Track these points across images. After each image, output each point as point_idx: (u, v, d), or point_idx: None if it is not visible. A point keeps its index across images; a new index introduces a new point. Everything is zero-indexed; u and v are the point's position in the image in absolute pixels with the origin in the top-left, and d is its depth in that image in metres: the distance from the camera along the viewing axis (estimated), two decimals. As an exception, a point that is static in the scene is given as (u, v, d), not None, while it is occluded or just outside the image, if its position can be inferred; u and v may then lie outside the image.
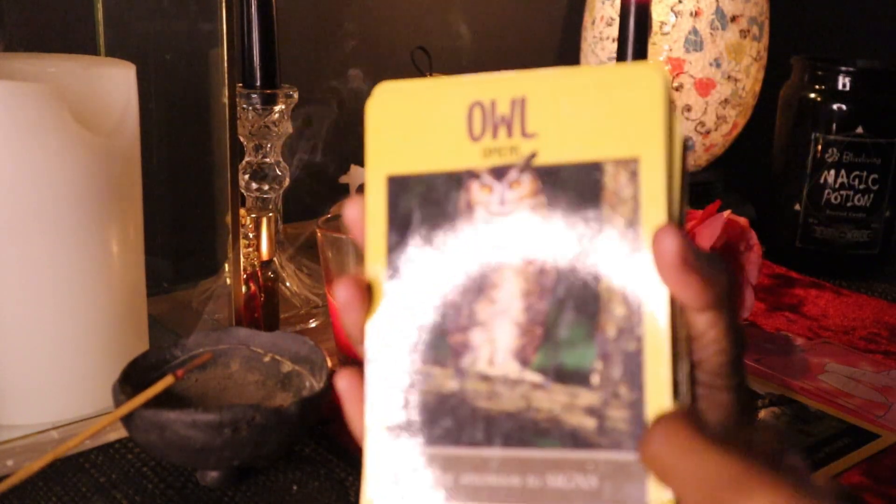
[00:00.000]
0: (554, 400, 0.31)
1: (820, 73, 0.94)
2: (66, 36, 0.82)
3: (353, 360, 0.67)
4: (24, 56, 0.63)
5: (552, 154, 0.32)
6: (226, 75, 0.61)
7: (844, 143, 0.92)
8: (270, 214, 0.68)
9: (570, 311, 0.31)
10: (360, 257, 0.66)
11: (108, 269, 0.59)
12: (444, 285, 0.33)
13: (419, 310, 0.33)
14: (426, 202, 0.33)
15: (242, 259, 0.66)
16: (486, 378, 0.32)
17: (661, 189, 0.30)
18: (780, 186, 0.98)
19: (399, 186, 0.34)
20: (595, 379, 0.31)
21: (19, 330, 0.57)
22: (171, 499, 0.54)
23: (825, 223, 0.95)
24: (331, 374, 0.57)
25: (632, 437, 0.30)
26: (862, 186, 0.93)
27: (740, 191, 1.16)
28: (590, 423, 0.30)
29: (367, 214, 0.34)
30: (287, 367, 0.60)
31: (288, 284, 0.79)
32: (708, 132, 1.09)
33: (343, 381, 0.35)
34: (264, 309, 0.69)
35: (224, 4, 0.60)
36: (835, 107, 0.92)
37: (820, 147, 0.93)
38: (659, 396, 0.30)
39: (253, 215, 0.68)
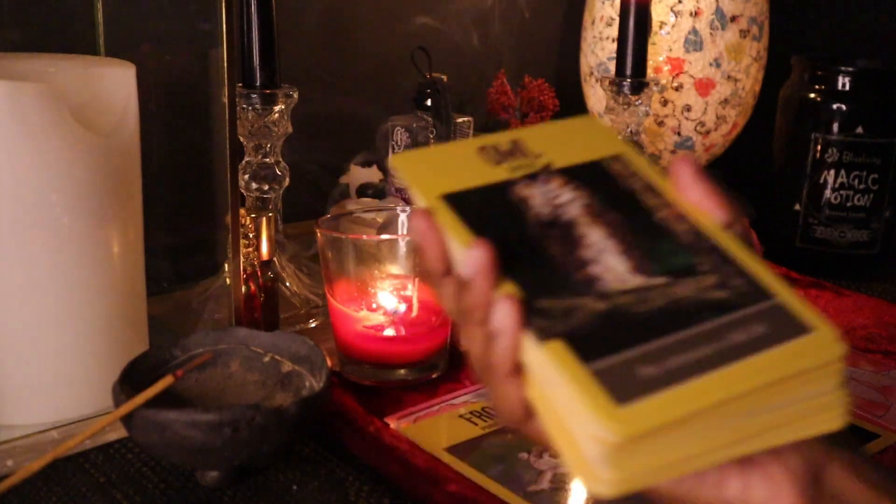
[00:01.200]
0: (687, 288, 0.37)
1: (820, 73, 0.94)
2: (66, 36, 0.82)
3: (353, 361, 0.67)
4: (24, 56, 0.63)
5: (561, 161, 0.41)
6: (226, 75, 0.61)
7: (844, 143, 0.92)
8: (270, 214, 0.68)
9: (651, 237, 0.39)
10: (359, 258, 0.66)
11: (108, 269, 0.59)
12: (544, 247, 0.38)
13: (537, 269, 0.37)
14: (485, 205, 0.39)
15: (242, 259, 0.66)
16: (625, 292, 0.37)
17: (649, 167, 0.42)
18: (780, 186, 0.98)
19: (455, 200, 0.39)
20: (704, 267, 0.38)
21: (19, 330, 0.57)
22: (171, 499, 0.54)
23: (825, 223, 0.95)
24: (330, 374, 0.57)
25: (757, 291, 0.37)
26: (862, 186, 0.93)
27: (740, 191, 1.16)
28: (724, 294, 0.37)
29: (445, 231, 0.38)
30: (287, 367, 0.60)
31: (288, 284, 0.79)
32: (708, 132, 1.08)
33: (420, 224, 0.38)
34: (264, 309, 0.69)
35: (224, 4, 0.60)
36: (835, 107, 0.92)
37: (820, 147, 0.93)
38: (752, 261, 0.38)
39: (253, 215, 0.68)
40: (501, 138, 0.42)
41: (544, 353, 0.34)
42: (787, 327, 0.36)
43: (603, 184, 0.41)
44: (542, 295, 0.36)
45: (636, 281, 0.37)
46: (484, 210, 0.39)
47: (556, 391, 0.34)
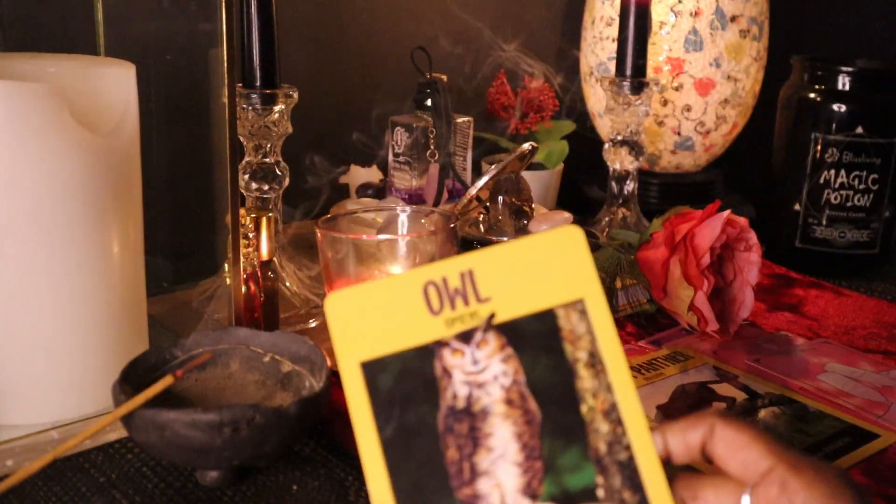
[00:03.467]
0: None
1: (820, 73, 0.94)
2: (66, 36, 0.82)
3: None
4: (24, 56, 0.63)
5: (508, 311, 0.37)
6: (226, 75, 0.61)
7: (844, 143, 0.92)
8: (270, 214, 0.68)
9: (561, 439, 0.35)
10: (359, 258, 0.66)
11: (108, 269, 0.59)
12: (440, 448, 0.35)
13: (423, 477, 0.35)
14: (404, 377, 0.36)
15: (242, 259, 0.66)
16: None
17: (608, 319, 0.37)
18: (780, 186, 0.98)
19: (374, 370, 0.36)
20: (600, 493, 0.35)
21: (20, 330, 0.57)
22: (171, 499, 0.54)
23: (825, 223, 0.95)
24: (330, 374, 0.57)
25: None
26: (862, 186, 0.93)
27: (740, 191, 1.16)
28: None
29: (349, 401, 0.36)
30: (287, 366, 0.60)
31: (288, 284, 0.79)
32: (708, 132, 1.08)
33: None
34: (264, 309, 0.69)
35: (224, 4, 0.60)
36: (835, 107, 0.92)
37: (820, 147, 0.93)
38: (659, 492, 0.35)
39: (253, 215, 0.68)
40: (453, 269, 0.37)
41: None
42: None
43: (544, 349, 0.37)
44: None
45: None
46: (400, 387, 0.36)
47: None
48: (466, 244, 0.80)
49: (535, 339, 0.37)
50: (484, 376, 0.36)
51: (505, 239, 0.78)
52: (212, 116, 0.72)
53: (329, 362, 0.58)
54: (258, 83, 0.74)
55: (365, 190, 0.99)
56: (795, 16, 1.20)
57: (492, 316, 0.37)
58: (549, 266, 0.38)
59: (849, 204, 0.93)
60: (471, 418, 0.36)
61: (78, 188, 0.56)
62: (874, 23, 1.17)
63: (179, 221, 0.84)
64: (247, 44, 0.73)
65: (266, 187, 0.76)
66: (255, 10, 0.72)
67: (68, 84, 0.56)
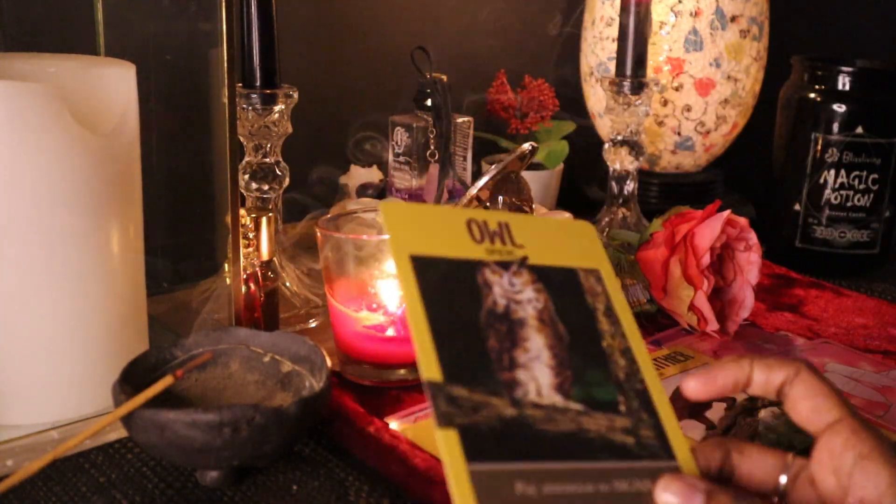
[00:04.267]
0: (598, 423, 0.39)
1: (820, 73, 0.94)
2: (66, 36, 0.82)
3: (353, 361, 0.67)
4: (24, 56, 0.63)
5: (539, 258, 0.42)
6: (226, 75, 0.61)
7: (844, 143, 0.92)
8: (270, 214, 0.68)
9: (587, 361, 0.40)
10: (359, 258, 0.66)
11: (108, 269, 0.59)
12: (484, 337, 0.38)
13: (467, 355, 0.37)
14: (449, 277, 0.39)
15: (242, 259, 0.66)
16: (538, 406, 0.38)
17: (619, 292, 0.43)
18: (780, 186, 0.98)
19: (422, 264, 0.39)
20: (622, 407, 0.40)
21: (19, 330, 0.57)
22: (171, 499, 0.54)
23: (825, 223, 0.95)
24: (330, 374, 0.57)
25: (662, 448, 0.39)
26: (862, 186, 0.93)
27: (740, 191, 1.16)
28: (630, 440, 0.39)
29: (402, 291, 0.38)
30: (287, 367, 0.60)
31: (288, 284, 0.79)
32: (708, 132, 1.08)
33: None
34: (264, 309, 0.69)
35: (224, 4, 0.60)
36: (835, 107, 0.92)
37: (820, 147, 0.93)
38: (669, 418, 0.40)
39: (253, 215, 0.67)
40: (492, 217, 0.42)
41: (439, 438, 0.35)
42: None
43: (568, 293, 0.42)
44: (459, 382, 0.36)
45: (553, 399, 0.38)
46: (445, 283, 0.39)
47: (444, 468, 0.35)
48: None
49: (561, 285, 0.42)
50: (520, 296, 0.40)
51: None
52: (212, 116, 0.72)
53: (329, 362, 0.58)
54: (258, 83, 0.74)
55: (365, 190, 0.99)
56: (795, 16, 1.20)
57: (525, 258, 0.42)
58: (570, 241, 0.44)
59: (849, 204, 0.93)
60: (509, 323, 0.39)
61: (78, 188, 0.56)
62: (874, 23, 1.17)
63: (179, 221, 0.84)
64: (247, 44, 0.73)
65: (266, 187, 0.76)
66: (255, 10, 0.72)
67: (68, 84, 0.56)
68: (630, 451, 0.38)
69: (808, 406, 0.40)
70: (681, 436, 0.40)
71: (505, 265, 0.41)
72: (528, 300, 0.41)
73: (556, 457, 0.37)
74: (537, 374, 0.39)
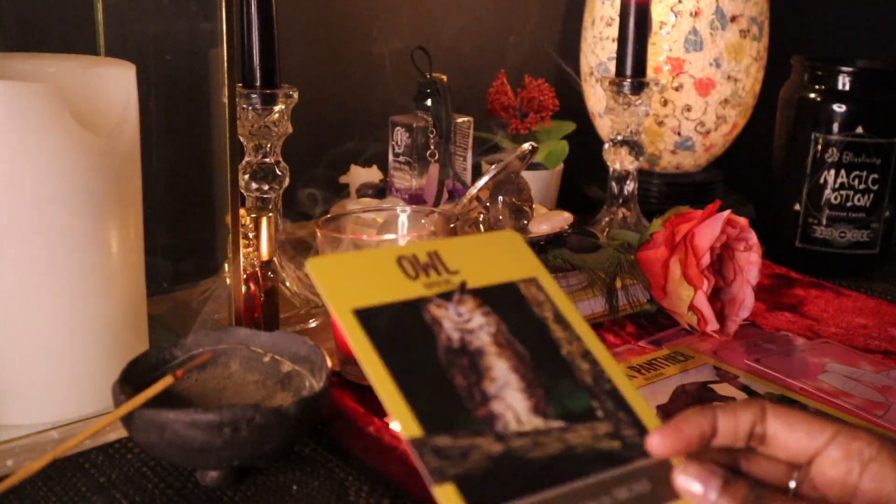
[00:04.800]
0: (582, 436, 0.38)
1: (820, 73, 0.94)
2: (66, 36, 0.82)
3: (353, 361, 0.67)
4: (24, 56, 0.63)
5: (477, 280, 0.42)
6: (226, 75, 0.61)
7: (844, 143, 0.92)
8: (270, 214, 0.68)
9: (553, 374, 0.40)
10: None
11: (108, 269, 0.59)
12: (448, 377, 0.38)
13: (439, 402, 0.37)
14: (397, 323, 0.38)
15: (242, 259, 0.66)
16: (522, 434, 0.37)
17: (561, 294, 0.43)
18: (780, 186, 0.98)
19: (367, 316, 0.38)
20: (599, 413, 0.39)
21: (19, 330, 0.57)
22: (171, 499, 0.54)
23: (825, 223, 0.95)
24: (330, 374, 0.57)
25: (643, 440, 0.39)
26: (862, 186, 0.93)
27: (740, 191, 1.16)
28: (616, 445, 0.39)
29: (352, 346, 0.38)
30: (287, 367, 0.60)
31: (288, 284, 0.79)
32: (708, 132, 1.08)
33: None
34: (264, 309, 0.69)
35: (224, 4, 0.60)
36: (835, 107, 0.92)
37: (820, 147, 0.93)
38: (645, 411, 0.40)
39: (253, 215, 0.67)
40: (420, 249, 0.42)
41: (437, 495, 0.34)
42: (665, 489, 0.38)
43: (514, 309, 0.42)
44: (441, 431, 0.36)
45: (534, 422, 0.38)
46: (394, 330, 0.38)
47: None
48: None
49: (506, 302, 0.42)
50: (470, 325, 0.40)
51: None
52: (212, 116, 0.72)
53: (329, 363, 0.58)
54: (258, 83, 0.74)
55: (365, 190, 0.99)
56: (795, 16, 1.20)
57: (464, 283, 0.41)
58: (501, 255, 0.44)
59: (849, 204, 0.93)
60: (469, 356, 0.39)
61: (78, 188, 0.56)
62: (874, 23, 1.17)
63: (179, 221, 0.84)
64: (247, 44, 0.73)
65: (266, 187, 0.76)
66: (255, 10, 0.72)
67: (68, 84, 0.56)
68: (619, 455, 0.38)
69: (795, 437, 0.39)
70: (654, 420, 0.40)
71: (447, 296, 0.40)
72: (479, 326, 0.40)
73: (552, 483, 0.36)
74: (511, 401, 0.38)
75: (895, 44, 1.15)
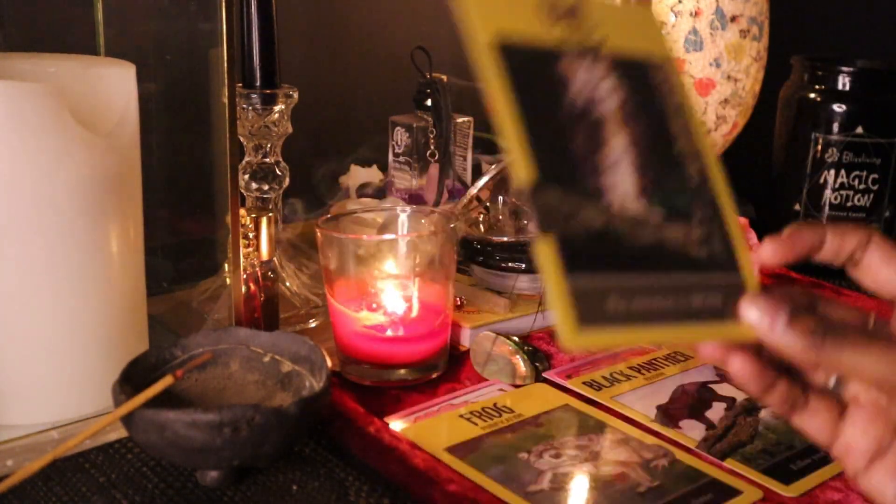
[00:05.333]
0: (675, 233, 0.38)
1: (820, 73, 0.94)
2: (66, 36, 0.82)
3: (353, 361, 0.67)
4: (24, 56, 0.63)
5: (613, 44, 0.40)
6: (226, 75, 0.61)
7: (844, 143, 0.92)
8: (270, 214, 0.68)
9: (665, 165, 0.39)
10: (359, 258, 0.66)
11: (108, 269, 0.59)
12: (571, 140, 0.37)
13: (558, 160, 0.36)
14: (531, 70, 0.37)
15: (242, 259, 0.66)
16: (624, 213, 0.37)
17: (684, 89, 0.42)
18: (780, 186, 0.98)
19: (505, 55, 0.36)
20: (696, 217, 0.39)
21: (19, 330, 0.57)
22: (171, 499, 0.54)
23: (825, 223, 0.95)
24: (330, 374, 0.57)
25: (730, 261, 0.39)
26: (862, 186, 0.93)
27: (740, 191, 1.16)
28: (703, 253, 0.39)
29: (488, 85, 0.36)
30: (287, 366, 0.60)
31: (288, 284, 0.79)
32: (708, 132, 1.09)
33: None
34: (264, 309, 0.69)
35: (224, 4, 0.60)
36: (835, 107, 0.92)
37: (820, 147, 0.93)
38: (736, 229, 0.40)
39: (253, 215, 0.68)
40: None
41: (539, 245, 0.35)
42: (734, 308, 0.38)
43: (642, 89, 0.40)
44: (554, 182, 0.35)
45: (638, 206, 0.38)
46: (529, 76, 0.37)
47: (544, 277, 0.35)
48: (466, 244, 0.80)
49: (635, 77, 0.40)
50: (600, 91, 0.39)
51: (505, 239, 0.78)
52: (212, 116, 0.72)
53: (329, 363, 0.58)
54: (258, 83, 0.74)
55: (365, 190, 0.99)
56: (795, 16, 1.20)
57: (603, 41, 0.39)
58: (638, 29, 0.42)
59: (849, 204, 0.93)
60: (590, 122, 0.38)
61: (78, 188, 0.56)
62: (874, 23, 1.17)
63: (179, 221, 0.84)
64: (247, 44, 0.73)
65: (266, 187, 0.76)
66: (255, 9, 0.73)
67: (68, 84, 0.56)
68: (702, 263, 0.38)
69: (887, 270, 0.40)
70: (745, 248, 0.40)
71: (583, 52, 0.39)
72: (607, 93, 0.39)
73: (641, 269, 0.37)
74: (623, 177, 0.38)
75: (895, 44, 1.15)
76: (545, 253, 0.34)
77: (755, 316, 0.37)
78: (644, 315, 0.36)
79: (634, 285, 0.36)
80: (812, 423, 0.40)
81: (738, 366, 0.38)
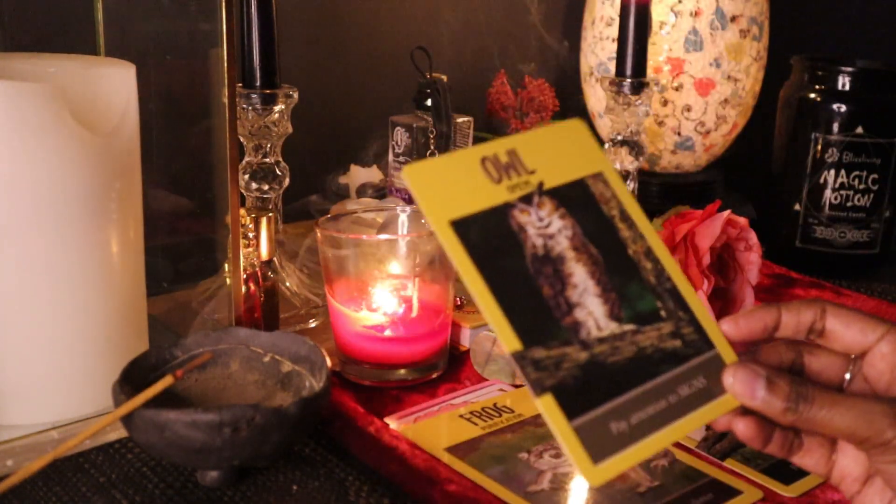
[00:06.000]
0: (649, 337, 0.41)
1: (820, 73, 0.94)
2: (66, 36, 0.82)
3: (353, 361, 0.67)
4: (24, 56, 0.63)
5: (552, 180, 0.43)
6: (226, 75, 0.61)
7: (844, 143, 0.92)
8: (270, 214, 0.68)
9: (623, 276, 0.42)
10: (359, 258, 0.66)
11: (108, 269, 0.59)
12: (536, 287, 0.40)
13: (532, 313, 0.39)
14: (489, 233, 0.41)
15: (242, 259, 0.66)
16: (601, 340, 0.40)
17: (623, 186, 0.45)
18: (780, 186, 0.98)
19: (462, 227, 0.40)
20: (663, 313, 0.42)
21: (19, 330, 0.57)
22: (171, 499, 0.54)
23: (825, 223, 0.95)
24: (330, 374, 0.57)
25: (703, 341, 0.42)
26: (862, 186, 0.93)
27: (740, 191, 1.16)
28: (678, 343, 0.42)
29: (454, 262, 0.39)
30: (287, 367, 0.60)
31: (288, 284, 0.79)
32: (708, 132, 1.08)
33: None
34: (264, 309, 0.69)
35: (224, 4, 0.60)
36: (835, 107, 0.92)
37: (820, 147, 0.93)
38: (700, 309, 0.43)
39: (253, 215, 0.68)
40: (499, 148, 0.43)
41: (539, 405, 0.38)
42: (718, 384, 0.42)
43: (586, 209, 0.43)
44: (537, 343, 0.39)
45: (610, 328, 0.41)
46: (487, 241, 0.40)
47: (551, 428, 0.38)
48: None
49: (578, 202, 0.43)
50: (550, 230, 0.42)
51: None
52: (212, 116, 0.72)
53: (329, 363, 0.58)
54: (258, 83, 0.74)
55: (365, 190, 0.99)
56: (795, 16, 1.20)
57: (541, 183, 0.43)
58: (569, 148, 0.45)
59: (849, 204, 0.93)
60: (552, 262, 0.41)
61: (78, 188, 0.56)
62: (874, 23, 1.17)
63: (179, 221, 0.84)
64: (247, 44, 0.73)
65: (266, 187, 0.76)
66: (255, 10, 0.72)
67: (68, 84, 0.56)
68: (680, 354, 0.41)
69: (850, 333, 0.43)
70: (713, 324, 0.43)
71: (527, 199, 0.42)
72: (558, 231, 0.42)
73: (629, 386, 0.40)
74: (591, 307, 0.41)
75: (895, 44, 1.15)
76: (545, 410, 0.38)
77: (736, 387, 0.41)
78: (645, 426, 0.39)
79: (627, 403, 0.39)
80: (808, 460, 0.44)
81: (743, 429, 0.42)
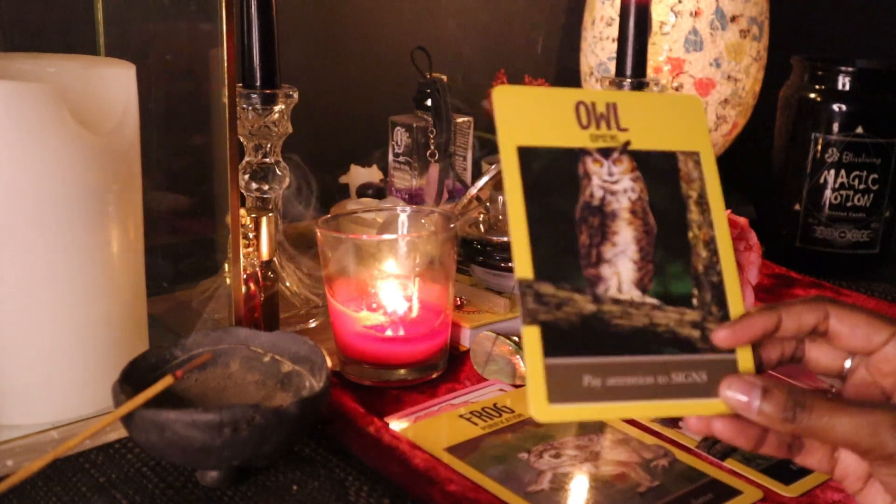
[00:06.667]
0: (668, 317, 0.41)
1: (820, 73, 0.94)
2: (66, 36, 0.82)
3: (353, 361, 0.67)
4: (24, 56, 0.63)
5: (641, 143, 0.43)
6: (226, 75, 0.61)
7: (844, 143, 0.92)
8: (270, 214, 0.68)
9: (670, 253, 0.42)
10: (359, 258, 0.66)
11: (108, 269, 0.59)
12: (575, 232, 0.41)
13: (558, 252, 0.40)
14: (552, 169, 0.41)
15: (242, 259, 0.66)
16: (617, 301, 0.41)
17: (716, 174, 0.44)
18: (780, 186, 0.98)
19: (528, 155, 0.41)
20: (695, 301, 0.42)
21: (19, 330, 0.57)
22: (171, 499, 0.54)
23: (825, 223, 0.95)
24: (330, 374, 0.57)
25: None
26: (862, 186, 0.93)
27: (740, 191, 1.16)
28: (696, 334, 0.42)
29: (504, 180, 0.40)
30: (287, 367, 0.60)
31: (288, 284, 0.79)
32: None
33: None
34: (264, 309, 0.69)
35: (224, 4, 0.60)
36: (835, 107, 0.92)
37: (820, 147, 0.93)
38: (738, 309, 0.43)
39: (253, 215, 0.68)
40: (600, 98, 0.43)
41: (523, 333, 0.38)
42: (717, 386, 0.41)
43: (663, 180, 0.43)
44: (548, 279, 0.39)
45: (632, 294, 0.41)
46: (547, 175, 0.41)
47: (524, 359, 0.39)
48: (466, 244, 0.80)
49: (659, 171, 0.43)
50: (616, 186, 0.42)
51: (505, 239, 0.78)
52: (212, 116, 0.72)
53: (329, 362, 0.58)
54: (258, 83, 0.74)
55: (365, 190, 0.99)
56: (795, 16, 1.20)
57: (628, 142, 0.43)
58: (675, 120, 0.44)
59: (849, 204, 0.93)
60: (602, 216, 0.42)
61: (78, 188, 0.56)
62: (874, 23, 1.17)
63: (179, 221, 0.84)
64: (247, 44, 0.73)
65: (266, 187, 0.76)
66: (255, 10, 0.72)
67: (68, 84, 0.56)
68: (693, 344, 0.41)
69: (856, 336, 0.43)
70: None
71: (606, 152, 0.42)
72: (623, 190, 0.42)
73: (624, 351, 0.40)
74: (621, 268, 0.41)
75: (895, 44, 1.15)
76: (527, 340, 0.38)
77: (733, 396, 0.41)
78: (619, 392, 0.39)
79: (613, 365, 0.39)
80: (811, 460, 0.44)
81: (721, 428, 0.42)
